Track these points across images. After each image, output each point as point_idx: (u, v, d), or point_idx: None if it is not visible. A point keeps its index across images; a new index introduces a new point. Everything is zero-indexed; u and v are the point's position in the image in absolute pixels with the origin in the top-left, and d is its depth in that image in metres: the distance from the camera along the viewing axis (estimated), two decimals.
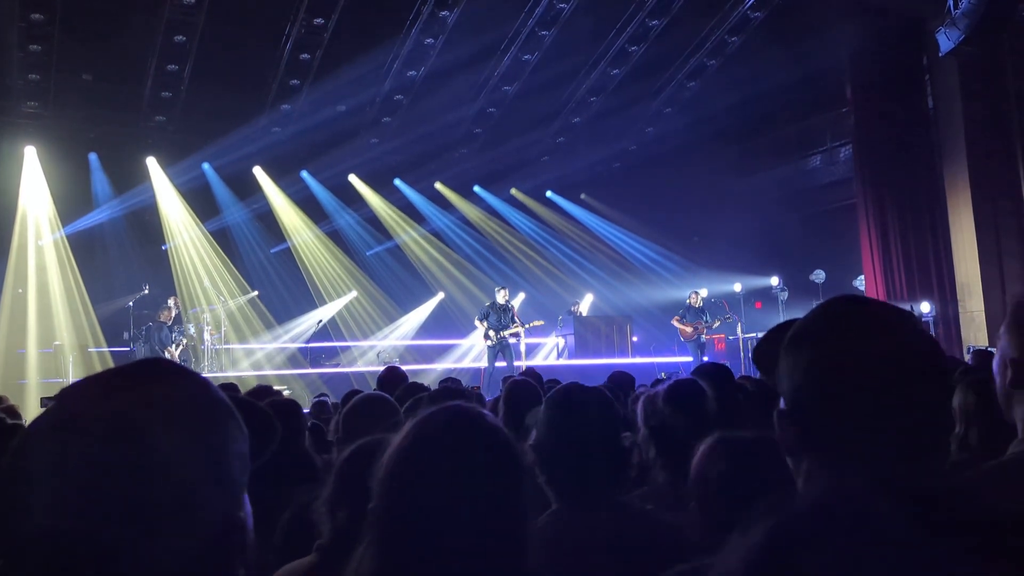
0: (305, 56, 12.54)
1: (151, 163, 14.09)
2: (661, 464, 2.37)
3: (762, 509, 0.65)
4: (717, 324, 12.90)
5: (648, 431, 2.43)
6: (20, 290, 12.70)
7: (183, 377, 0.82)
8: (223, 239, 14.63)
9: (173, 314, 11.27)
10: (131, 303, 11.73)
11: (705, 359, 12.44)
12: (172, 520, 0.76)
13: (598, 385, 4.57)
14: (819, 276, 14.39)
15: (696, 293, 13.23)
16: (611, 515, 1.82)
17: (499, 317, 11.54)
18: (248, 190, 14.94)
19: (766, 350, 1.07)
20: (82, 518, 0.71)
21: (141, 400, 0.78)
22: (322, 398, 6.24)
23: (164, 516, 0.75)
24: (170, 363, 0.85)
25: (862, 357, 0.95)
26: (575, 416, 1.93)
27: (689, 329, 12.78)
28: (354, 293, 15.48)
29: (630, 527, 1.80)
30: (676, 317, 13.05)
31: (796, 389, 1.00)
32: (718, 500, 1.68)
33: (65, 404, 0.78)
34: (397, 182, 16.30)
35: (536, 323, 12.38)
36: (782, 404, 1.02)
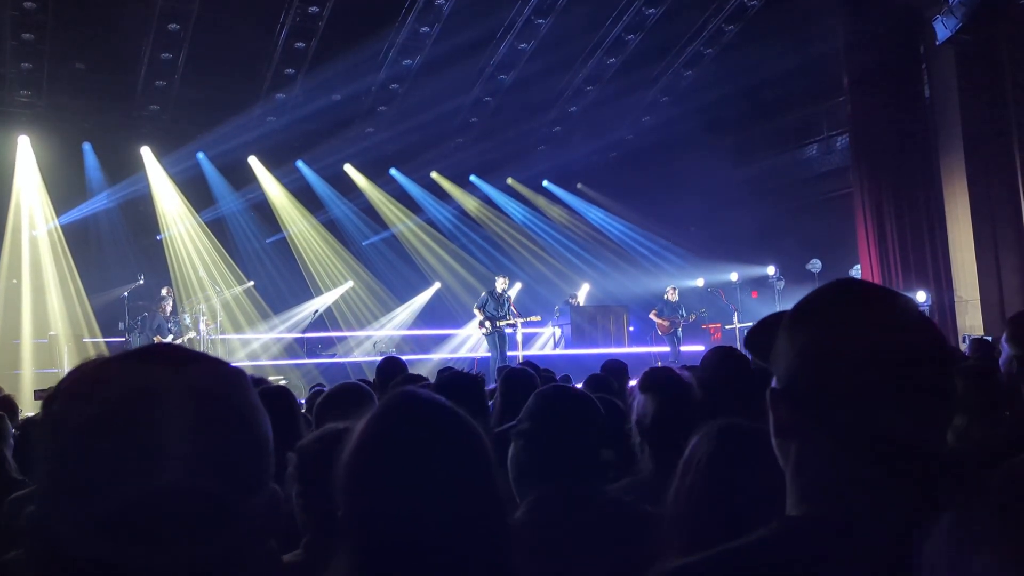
0: (300, 44, 12.47)
1: (145, 152, 14.03)
2: (650, 454, 2.33)
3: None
4: (692, 318, 13.27)
5: (635, 421, 2.40)
6: (14, 280, 12.67)
7: (208, 356, 0.85)
8: (218, 229, 14.60)
9: (170, 305, 11.25)
10: (126, 293, 11.71)
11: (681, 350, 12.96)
12: (262, 480, 0.82)
13: (593, 374, 4.58)
14: (815, 265, 14.40)
15: (673, 288, 13.57)
16: (582, 507, 1.79)
17: (497, 306, 11.51)
18: (243, 180, 14.90)
19: (760, 336, 1.05)
20: (204, 476, 0.75)
21: (208, 372, 0.81)
22: (320, 388, 6.22)
23: (260, 475, 0.81)
24: (181, 346, 0.87)
25: (860, 340, 0.92)
26: (555, 424, 1.88)
27: (666, 323, 13.16)
28: (350, 283, 15.47)
29: (600, 518, 1.77)
30: (654, 311, 13.41)
31: (791, 368, 0.96)
32: (700, 483, 1.67)
33: (123, 377, 0.77)
34: (393, 171, 16.23)
35: (533, 318, 12.36)
36: (775, 383, 0.99)
